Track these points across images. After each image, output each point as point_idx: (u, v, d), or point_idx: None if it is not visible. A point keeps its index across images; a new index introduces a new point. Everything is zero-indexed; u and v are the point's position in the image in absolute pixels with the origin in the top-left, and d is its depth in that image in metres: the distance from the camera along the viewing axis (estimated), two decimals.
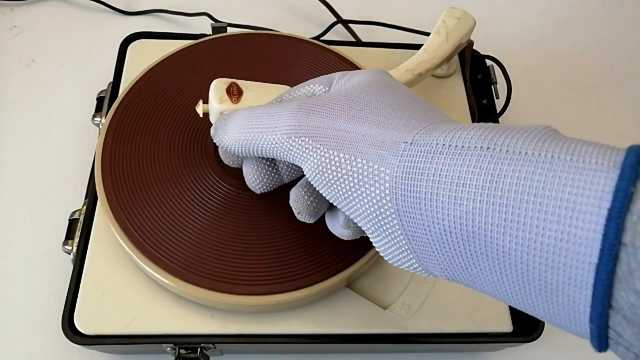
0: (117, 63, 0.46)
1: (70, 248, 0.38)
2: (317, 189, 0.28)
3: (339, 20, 0.57)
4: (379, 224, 0.25)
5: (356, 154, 0.25)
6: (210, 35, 0.47)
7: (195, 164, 0.38)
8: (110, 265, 0.36)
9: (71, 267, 0.37)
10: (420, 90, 0.47)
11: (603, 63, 0.62)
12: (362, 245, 0.36)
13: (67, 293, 0.36)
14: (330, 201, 0.27)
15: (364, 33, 0.57)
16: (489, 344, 0.39)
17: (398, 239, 0.25)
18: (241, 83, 0.34)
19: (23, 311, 0.41)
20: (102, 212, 0.36)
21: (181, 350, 0.35)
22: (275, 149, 0.28)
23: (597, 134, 0.56)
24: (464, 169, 0.22)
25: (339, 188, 0.26)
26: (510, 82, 0.48)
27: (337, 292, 0.37)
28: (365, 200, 0.25)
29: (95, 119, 0.44)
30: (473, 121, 0.46)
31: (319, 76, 0.32)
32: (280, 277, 0.34)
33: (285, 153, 0.27)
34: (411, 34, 0.54)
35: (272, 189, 0.33)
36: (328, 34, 0.55)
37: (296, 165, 0.31)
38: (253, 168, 0.32)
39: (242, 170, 0.38)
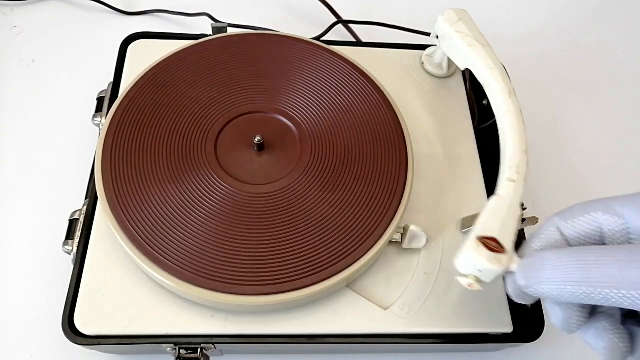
0: (117, 63, 0.46)
1: (70, 248, 0.38)
2: None
3: (339, 20, 0.57)
4: None
5: None
6: (210, 35, 0.47)
7: (195, 164, 0.38)
8: (110, 265, 0.36)
9: (71, 267, 0.37)
10: (421, 90, 0.47)
11: (603, 63, 0.62)
12: (361, 245, 0.36)
13: (67, 293, 0.36)
14: None
15: (364, 33, 0.57)
16: (489, 344, 0.39)
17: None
18: (481, 232, 0.31)
19: (23, 311, 0.41)
20: (102, 212, 0.36)
21: (181, 350, 0.35)
22: (622, 302, 0.25)
23: (596, 133, 0.56)
24: None
25: None
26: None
27: (337, 292, 0.37)
28: None
29: (95, 119, 0.44)
30: (473, 121, 0.46)
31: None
32: (280, 277, 0.34)
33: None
34: (411, 34, 0.54)
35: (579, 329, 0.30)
36: (328, 34, 0.55)
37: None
38: (563, 311, 0.29)
39: (242, 170, 0.38)
